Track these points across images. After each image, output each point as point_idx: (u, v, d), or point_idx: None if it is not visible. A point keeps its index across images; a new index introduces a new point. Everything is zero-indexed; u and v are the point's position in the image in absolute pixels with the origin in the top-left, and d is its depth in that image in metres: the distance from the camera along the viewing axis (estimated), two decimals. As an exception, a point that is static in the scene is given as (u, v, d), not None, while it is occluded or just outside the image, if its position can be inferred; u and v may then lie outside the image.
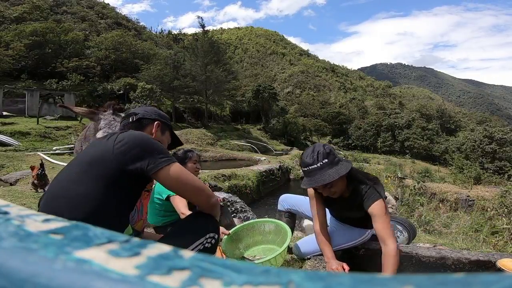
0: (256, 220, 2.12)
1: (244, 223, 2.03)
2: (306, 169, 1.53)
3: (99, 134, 1.77)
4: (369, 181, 1.60)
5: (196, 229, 1.18)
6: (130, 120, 1.21)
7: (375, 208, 1.50)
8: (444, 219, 5.29)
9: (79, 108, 1.97)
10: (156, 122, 1.23)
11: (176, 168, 1.02)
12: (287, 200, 2.18)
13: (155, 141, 1.04)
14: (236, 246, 1.91)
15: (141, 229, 1.21)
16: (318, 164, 1.49)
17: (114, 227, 0.98)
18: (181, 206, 1.84)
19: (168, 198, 1.90)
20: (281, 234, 1.90)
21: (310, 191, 1.75)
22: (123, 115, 1.87)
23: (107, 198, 0.93)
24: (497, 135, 26.69)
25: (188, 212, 1.80)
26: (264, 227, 2.01)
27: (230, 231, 1.86)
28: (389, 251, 1.41)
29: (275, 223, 1.99)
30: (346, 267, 1.59)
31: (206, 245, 1.18)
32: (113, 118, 1.82)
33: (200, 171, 2.25)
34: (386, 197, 1.60)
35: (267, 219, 2.08)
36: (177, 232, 1.20)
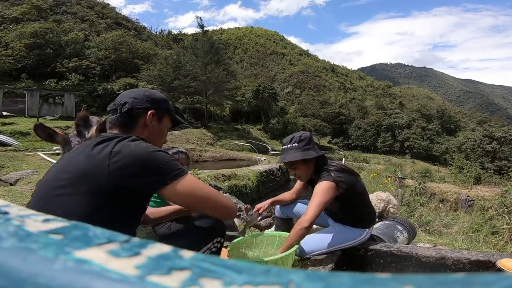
0: (269, 232, 2.05)
1: (256, 233, 1.97)
2: (282, 147, 1.79)
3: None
4: (333, 167, 1.69)
5: (205, 233, 1.19)
6: (119, 113, 0.99)
7: (316, 186, 1.63)
8: (444, 219, 5.29)
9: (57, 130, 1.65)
10: (149, 112, 1.02)
11: (187, 182, 0.88)
12: (284, 208, 2.18)
13: (157, 152, 0.87)
14: (243, 253, 1.87)
15: None
16: (289, 146, 1.72)
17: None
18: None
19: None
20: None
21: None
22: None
23: (102, 217, 0.82)
24: (498, 134, 26.67)
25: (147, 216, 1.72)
26: (276, 239, 1.90)
27: (237, 240, 1.83)
28: (301, 220, 1.56)
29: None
30: (259, 211, 1.89)
31: (213, 249, 1.22)
32: (78, 141, 1.55)
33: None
34: (347, 184, 1.63)
35: (282, 232, 1.96)
36: (185, 237, 1.21)
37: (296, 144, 1.69)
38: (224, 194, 4.38)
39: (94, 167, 0.82)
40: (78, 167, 0.84)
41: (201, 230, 1.16)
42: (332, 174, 1.62)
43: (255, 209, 1.98)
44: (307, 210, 1.55)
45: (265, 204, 2.02)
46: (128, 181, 0.83)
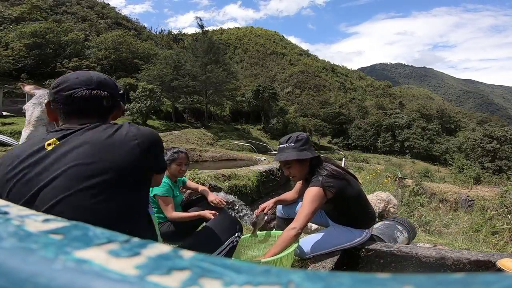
0: (270, 232, 2.01)
1: (259, 233, 1.95)
2: (279, 146, 1.80)
3: (28, 105, 1.70)
4: (326, 171, 1.69)
5: (228, 228, 1.37)
6: (105, 104, 0.91)
7: (306, 192, 1.66)
8: (444, 219, 5.29)
9: (28, 86, 1.89)
10: (120, 106, 0.99)
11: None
12: (286, 208, 2.18)
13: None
14: (243, 253, 1.86)
15: None
16: (285, 145, 1.73)
17: (150, 228, 0.99)
18: (167, 209, 1.85)
19: (154, 196, 1.91)
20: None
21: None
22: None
23: (139, 205, 0.85)
24: (498, 133, 26.67)
25: (175, 214, 1.84)
26: (276, 239, 1.86)
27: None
28: (288, 228, 1.57)
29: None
30: (264, 211, 1.93)
31: (234, 243, 1.39)
32: (46, 92, 1.73)
33: (188, 173, 2.24)
34: (338, 189, 1.65)
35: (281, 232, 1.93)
36: (211, 234, 1.36)
37: (292, 144, 1.71)
38: (223, 194, 4.38)
39: (128, 160, 0.80)
40: (111, 160, 0.79)
41: (221, 227, 1.33)
42: (321, 179, 1.63)
43: (259, 209, 1.98)
44: (297, 218, 1.57)
45: (269, 203, 2.02)
46: (147, 163, 0.85)
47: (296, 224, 1.55)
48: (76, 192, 0.74)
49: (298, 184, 2.06)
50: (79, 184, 0.74)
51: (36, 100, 1.72)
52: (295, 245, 1.59)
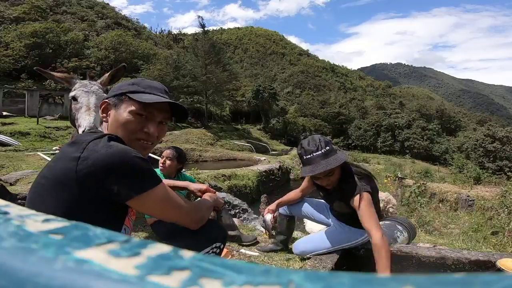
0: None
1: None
2: (309, 156, 1.54)
3: (74, 93, 1.80)
4: (357, 175, 1.62)
5: (205, 237, 1.14)
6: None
7: (356, 201, 1.53)
8: (444, 219, 5.29)
9: (57, 73, 1.96)
10: (103, 105, 0.95)
11: (156, 195, 0.81)
12: (291, 207, 2.18)
13: (130, 157, 0.78)
14: None
15: None
16: (322, 151, 1.52)
17: None
18: None
19: None
20: None
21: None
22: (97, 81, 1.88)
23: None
24: (500, 134, 26.64)
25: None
26: None
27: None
28: (375, 241, 1.46)
29: None
30: (272, 213, 1.91)
31: (211, 254, 1.16)
32: (89, 82, 1.86)
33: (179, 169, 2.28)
34: (372, 191, 1.59)
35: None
36: (185, 239, 1.17)
37: (328, 148, 1.54)
38: (224, 194, 4.37)
39: (65, 172, 0.77)
40: (55, 170, 0.80)
41: (201, 234, 1.10)
42: (364, 183, 1.56)
43: (266, 211, 2.00)
44: (369, 229, 1.49)
45: (273, 206, 2.04)
46: (98, 190, 0.76)
47: (376, 230, 1.47)
48: (33, 185, 0.84)
49: (305, 183, 2.03)
50: (36, 181, 0.83)
51: (87, 88, 1.81)
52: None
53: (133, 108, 0.90)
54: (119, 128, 0.91)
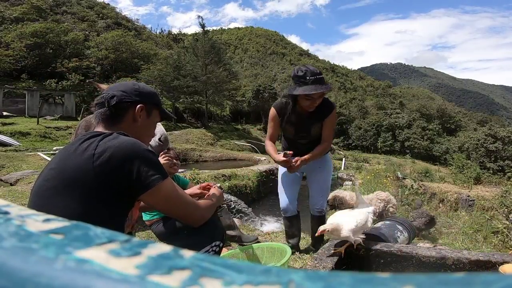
0: (267, 244, 1.99)
1: (254, 245, 1.94)
2: (313, 77, 1.79)
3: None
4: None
5: (204, 236, 1.18)
6: (106, 106, 0.96)
7: (333, 115, 1.97)
8: (444, 219, 5.28)
9: (105, 85, 2.00)
10: (138, 106, 0.99)
11: (166, 186, 0.87)
12: (291, 202, 2.22)
13: (143, 149, 0.85)
14: None
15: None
16: (322, 76, 1.85)
17: None
18: None
19: None
20: (275, 255, 1.84)
21: (272, 114, 2.17)
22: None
23: (93, 221, 0.81)
24: (502, 134, 26.55)
25: None
26: (276, 252, 1.85)
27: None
28: (326, 145, 2.00)
29: (272, 246, 1.89)
30: (290, 152, 1.96)
31: (211, 253, 1.21)
32: None
33: (179, 170, 2.26)
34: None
35: (279, 244, 1.91)
36: (184, 238, 1.22)
37: (322, 75, 1.85)
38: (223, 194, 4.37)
39: (80, 169, 0.80)
40: (65, 169, 0.82)
41: (200, 233, 1.12)
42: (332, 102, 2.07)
43: (282, 155, 2.01)
44: (329, 139, 2.01)
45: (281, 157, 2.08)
46: (114, 183, 0.81)
47: (331, 140, 2.03)
48: (36, 190, 0.84)
49: (272, 131, 2.19)
50: (40, 185, 0.84)
51: None
52: (284, 259, 1.58)
53: (159, 118, 1.09)
54: (145, 130, 1.03)
